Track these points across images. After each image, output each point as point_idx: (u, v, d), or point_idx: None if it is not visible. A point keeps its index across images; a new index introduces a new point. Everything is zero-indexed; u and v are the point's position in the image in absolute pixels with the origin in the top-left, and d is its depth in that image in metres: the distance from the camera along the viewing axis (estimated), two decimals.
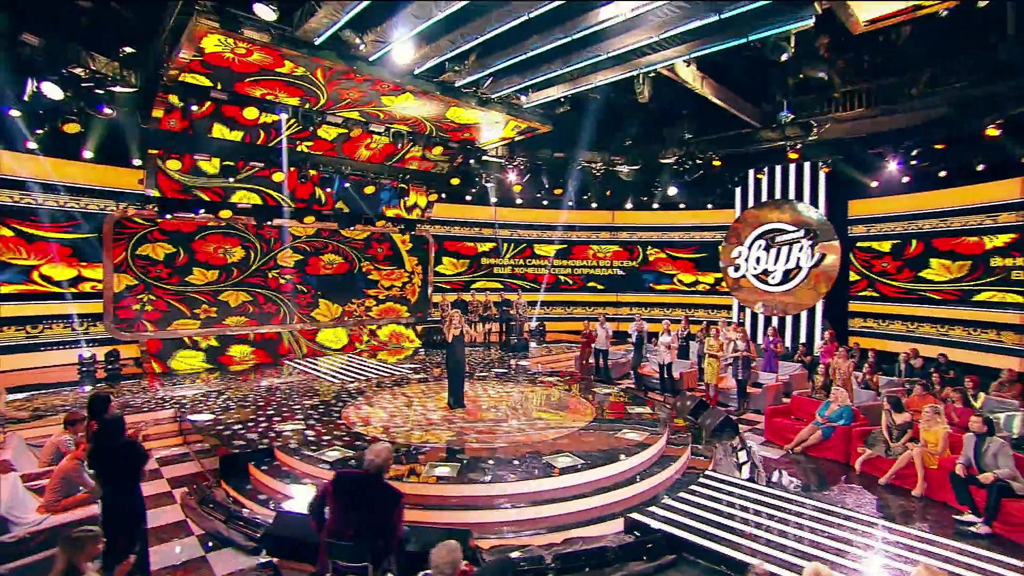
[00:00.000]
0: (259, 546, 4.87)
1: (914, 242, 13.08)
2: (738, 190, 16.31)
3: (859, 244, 14.34)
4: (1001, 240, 11.29)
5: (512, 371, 12.29)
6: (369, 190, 13.84)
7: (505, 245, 18.72)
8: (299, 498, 5.69)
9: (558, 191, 16.79)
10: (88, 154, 10.47)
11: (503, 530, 5.24)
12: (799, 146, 12.61)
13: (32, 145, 9.85)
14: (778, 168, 15.21)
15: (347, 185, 13.32)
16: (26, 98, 8.30)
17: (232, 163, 11.40)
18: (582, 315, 19.22)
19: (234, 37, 7.78)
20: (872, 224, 14.12)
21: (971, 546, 5.15)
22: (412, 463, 6.22)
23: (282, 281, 13.73)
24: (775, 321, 14.93)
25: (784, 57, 7.90)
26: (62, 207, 11.01)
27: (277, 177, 12.19)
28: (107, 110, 8.84)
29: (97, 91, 8.78)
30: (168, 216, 11.65)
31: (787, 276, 15.01)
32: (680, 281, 18.40)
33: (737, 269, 16.15)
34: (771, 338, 11.99)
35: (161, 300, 12.10)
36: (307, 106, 10.59)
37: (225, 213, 12.27)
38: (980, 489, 5.64)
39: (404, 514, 3.58)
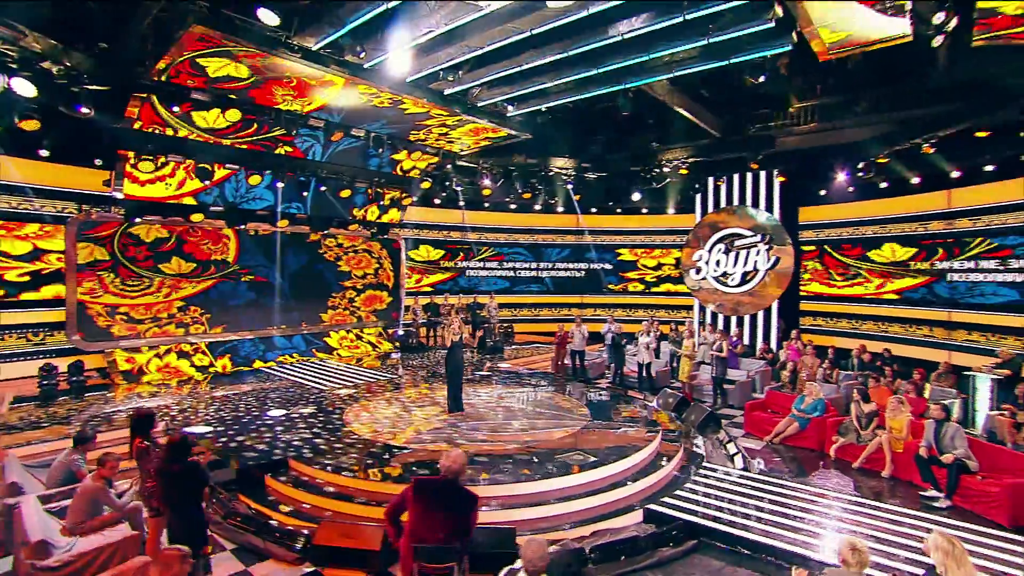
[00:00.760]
0: (303, 556, 4.92)
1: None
2: (698, 196, 17.23)
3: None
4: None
5: (495, 373, 12.54)
6: (345, 194, 13.70)
7: (483, 249, 18.95)
8: (328, 507, 5.76)
9: (526, 195, 17.17)
10: (45, 152, 9.90)
11: (537, 527, 5.51)
12: (760, 157, 13.55)
13: None
14: (736, 176, 16.20)
15: (323, 189, 13.13)
16: None
17: (208, 165, 11.04)
18: (548, 316, 19.80)
19: (232, 42, 7.63)
20: (820, 229, 15.34)
21: (935, 517, 5.91)
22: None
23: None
24: (733, 321, 15.94)
25: (762, 79, 8.60)
26: (15, 209, 10.33)
27: (254, 180, 11.88)
28: (84, 109, 8.39)
29: (72, 89, 8.35)
30: (138, 220, 11.13)
31: (745, 278, 16.02)
32: (644, 265, 19.09)
33: (698, 272, 17.05)
34: (735, 339, 12.82)
35: (119, 282, 11.45)
36: (296, 107, 10.44)
37: (197, 216, 11.86)
38: (941, 468, 6.44)
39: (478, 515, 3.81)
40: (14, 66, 7.76)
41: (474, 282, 19.08)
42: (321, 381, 11.45)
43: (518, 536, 4.86)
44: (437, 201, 17.34)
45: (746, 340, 15.71)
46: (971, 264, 11.76)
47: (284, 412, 8.90)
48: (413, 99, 10.04)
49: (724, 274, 16.44)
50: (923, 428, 6.81)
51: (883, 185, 13.05)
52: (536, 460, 6.63)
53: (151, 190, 10.98)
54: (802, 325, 15.53)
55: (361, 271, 16.04)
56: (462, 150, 14.08)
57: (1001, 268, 11.11)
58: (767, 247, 15.52)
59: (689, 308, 17.82)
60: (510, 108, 11.13)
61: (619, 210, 18.94)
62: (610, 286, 19.56)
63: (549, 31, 7.82)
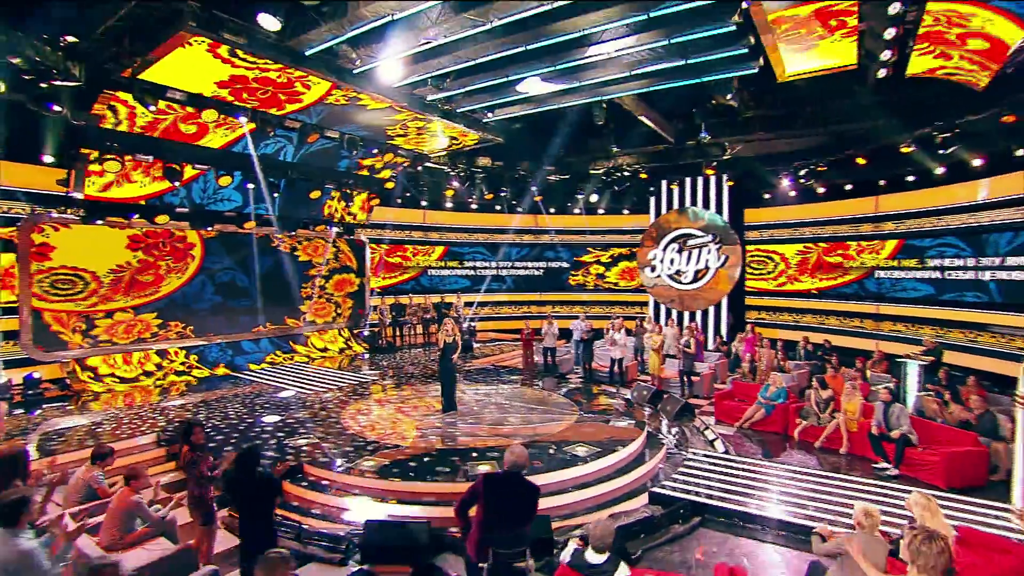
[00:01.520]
0: (346, 557, 5.13)
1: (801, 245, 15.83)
2: (652, 198, 18.23)
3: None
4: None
5: (472, 372, 12.86)
6: (315, 195, 13.53)
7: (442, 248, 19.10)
8: (355, 508, 5.96)
9: (489, 196, 17.53)
10: None
11: (559, 513, 5.96)
12: (714, 163, 14.61)
13: None
14: (688, 179, 17.27)
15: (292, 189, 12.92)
16: None
17: (177, 166, 10.64)
18: (509, 314, 20.26)
19: (228, 45, 7.52)
20: (764, 230, 16.70)
21: (886, 483, 6.90)
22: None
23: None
24: (687, 316, 17.07)
25: (729, 97, 9.42)
26: None
27: (224, 181, 11.54)
28: (56, 107, 7.95)
29: (41, 85, 7.89)
30: (99, 221, 10.56)
31: (697, 276, 17.18)
32: (601, 263, 19.94)
33: (653, 270, 18.08)
34: (696, 333, 13.80)
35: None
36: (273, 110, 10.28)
37: (162, 218, 11.39)
38: (889, 443, 7.46)
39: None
40: None
41: (435, 282, 19.25)
42: (303, 385, 11.37)
43: (552, 522, 5.30)
44: (399, 201, 17.37)
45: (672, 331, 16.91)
46: (895, 262, 13.32)
47: (279, 418, 8.85)
48: (373, 96, 9.84)
49: (678, 272, 17.54)
50: (873, 409, 7.83)
51: (820, 190, 14.44)
52: (551, 452, 7.09)
53: (115, 191, 10.45)
54: (748, 319, 16.85)
55: (321, 257, 15.76)
56: (432, 152, 14.24)
57: (920, 267, 12.69)
58: (717, 246, 16.74)
59: (644, 304, 18.85)
60: (489, 115, 11.46)
61: (577, 210, 19.66)
62: (571, 280, 20.26)
63: (537, 48, 8.26)
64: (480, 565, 4.11)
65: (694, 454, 7.79)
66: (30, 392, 9.94)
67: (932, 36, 7.44)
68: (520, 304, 20.41)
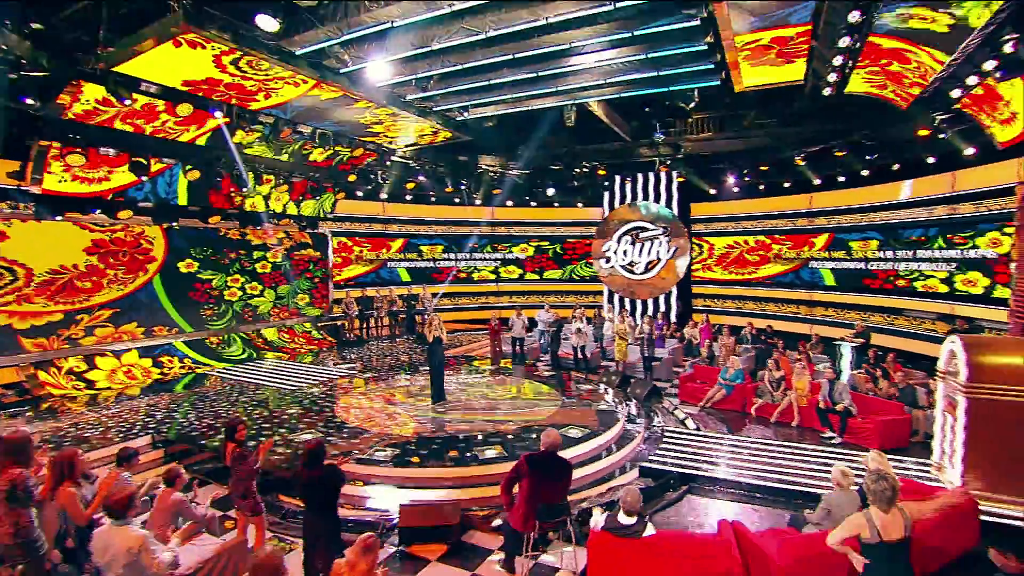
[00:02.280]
0: (383, 540, 5.51)
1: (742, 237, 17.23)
2: (606, 193, 19.13)
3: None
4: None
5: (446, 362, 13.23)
6: (282, 189, 13.34)
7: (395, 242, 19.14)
8: (378, 496, 6.33)
9: (448, 189, 17.78)
10: None
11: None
12: (668, 161, 15.61)
13: None
14: (640, 175, 18.26)
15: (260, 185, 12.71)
16: None
17: (143, 160, 10.27)
18: (467, 304, 20.66)
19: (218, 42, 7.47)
20: (709, 223, 17.99)
21: (833, 449, 8.04)
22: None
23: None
24: (639, 304, 18.19)
25: (692, 106, 10.28)
26: None
27: (192, 176, 11.23)
28: (29, 100, 7.58)
29: (10, 76, 7.50)
30: (58, 217, 10.05)
31: (648, 266, 18.29)
32: (557, 254, 20.70)
33: (607, 261, 19.04)
34: (660, 322, 14.85)
35: None
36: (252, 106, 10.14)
37: (125, 214, 10.95)
38: (834, 415, 8.62)
39: None
40: None
41: (395, 274, 19.32)
42: (283, 381, 11.37)
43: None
44: (360, 193, 17.31)
45: (636, 320, 18.07)
46: (826, 254, 14.90)
47: (270, 413, 8.94)
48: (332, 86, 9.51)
49: (631, 263, 18.59)
50: (820, 387, 8.99)
51: (762, 187, 15.81)
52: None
53: (75, 186, 9.97)
54: (695, 306, 18.19)
55: (275, 239, 15.41)
56: (402, 147, 14.36)
57: (847, 257, 14.29)
58: (667, 238, 17.89)
59: (599, 294, 19.81)
60: (464, 113, 11.79)
61: (533, 203, 20.23)
62: (528, 272, 20.80)
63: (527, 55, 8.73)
64: (523, 535, 4.68)
65: (669, 432, 8.65)
66: None
67: (872, 60, 8.56)
68: (478, 295, 20.82)
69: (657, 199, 18.18)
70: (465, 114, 11.78)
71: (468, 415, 8.82)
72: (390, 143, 13.77)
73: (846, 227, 14.37)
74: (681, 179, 17.16)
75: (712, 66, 8.85)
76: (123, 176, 10.47)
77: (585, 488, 6.71)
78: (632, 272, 18.55)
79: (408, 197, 18.57)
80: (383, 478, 6.64)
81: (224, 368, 12.45)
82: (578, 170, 16.52)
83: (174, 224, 12.09)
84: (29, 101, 7.69)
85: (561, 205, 20.30)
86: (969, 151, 10.52)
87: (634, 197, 18.57)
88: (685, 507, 6.46)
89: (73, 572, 3.52)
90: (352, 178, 16.02)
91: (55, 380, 10.30)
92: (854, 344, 11.18)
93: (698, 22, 7.31)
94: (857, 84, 9.54)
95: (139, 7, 7.42)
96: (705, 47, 8.13)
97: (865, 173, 13.13)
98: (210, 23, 7.33)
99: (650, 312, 17.56)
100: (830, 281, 14.87)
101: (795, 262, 15.78)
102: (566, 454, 7.12)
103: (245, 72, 8.51)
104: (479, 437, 7.75)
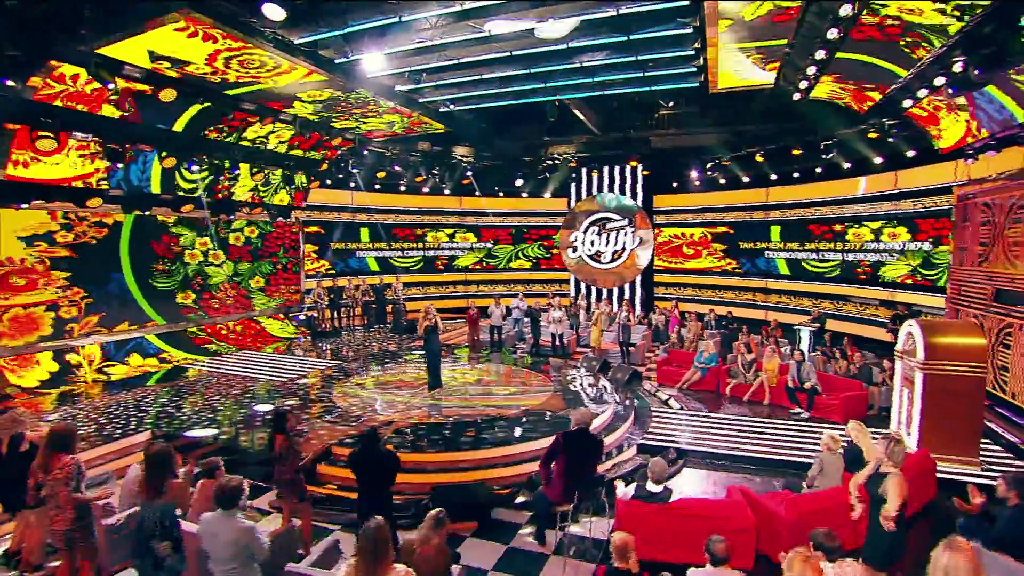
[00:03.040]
0: (415, 521, 5.76)
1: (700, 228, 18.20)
2: (573, 184, 19.67)
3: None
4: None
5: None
6: (258, 178, 13.02)
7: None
8: (402, 479, 6.54)
9: (419, 179, 17.78)
10: None
11: None
12: (637, 155, 16.26)
13: None
14: (606, 167, 18.87)
15: (237, 172, 12.35)
16: None
17: (118, 146, 9.83)
18: (436, 294, 20.76)
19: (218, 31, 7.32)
20: (671, 214, 18.87)
21: (802, 423, 8.90)
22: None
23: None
24: (604, 293, 18.93)
25: (671, 104, 10.86)
26: None
27: (168, 163, 10.82)
28: (10, 82, 7.16)
29: None
30: (24, 205, 9.49)
31: (614, 256, 19.00)
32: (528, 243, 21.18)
33: (575, 251, 19.63)
34: (625, 311, 15.52)
35: None
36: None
37: (94, 202, 10.45)
38: (802, 393, 9.51)
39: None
40: None
41: (364, 264, 19.17)
42: (271, 374, 11.24)
43: None
44: (329, 182, 17.05)
45: (615, 308, 18.85)
46: (781, 244, 16.03)
47: (271, 406, 8.91)
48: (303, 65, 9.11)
49: (597, 252, 19.25)
50: (788, 368, 9.86)
51: (722, 181, 16.75)
52: (547, 418, 8.13)
53: (42, 171, 9.43)
54: (657, 294, 19.08)
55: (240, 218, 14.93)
56: (375, 136, 14.29)
57: (800, 248, 15.47)
58: (632, 229, 18.63)
59: (565, 282, 20.40)
60: (450, 105, 11.91)
61: (501, 193, 20.51)
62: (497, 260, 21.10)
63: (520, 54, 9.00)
64: (553, 509, 5.08)
65: (656, 412, 9.28)
66: None
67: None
68: (446, 284, 20.96)
69: (623, 191, 18.87)
70: (451, 106, 11.89)
71: (466, 401, 9.12)
72: (369, 132, 13.68)
73: (797, 220, 15.51)
74: (646, 172, 17.89)
75: (695, 69, 9.41)
76: (96, 163, 9.98)
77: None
78: (598, 261, 19.21)
79: (377, 186, 18.40)
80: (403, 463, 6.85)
81: (197, 360, 12.15)
82: (548, 161, 16.90)
83: (145, 212, 11.60)
84: (10, 83, 7.24)
85: (530, 196, 20.67)
86: (911, 153, 11.68)
87: (600, 188, 19.17)
88: (682, 479, 7.06)
89: (175, 558, 3.64)
90: (324, 166, 15.77)
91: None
92: (811, 328, 12.23)
93: (690, 30, 7.81)
94: (823, 90, 10.38)
95: None
96: (692, 52, 8.67)
97: (819, 170, 14.18)
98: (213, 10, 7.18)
99: (615, 300, 18.31)
100: (784, 270, 16.02)
101: (752, 252, 16.85)
102: None
103: (239, 72, 8.36)
104: (484, 421, 8.08)
